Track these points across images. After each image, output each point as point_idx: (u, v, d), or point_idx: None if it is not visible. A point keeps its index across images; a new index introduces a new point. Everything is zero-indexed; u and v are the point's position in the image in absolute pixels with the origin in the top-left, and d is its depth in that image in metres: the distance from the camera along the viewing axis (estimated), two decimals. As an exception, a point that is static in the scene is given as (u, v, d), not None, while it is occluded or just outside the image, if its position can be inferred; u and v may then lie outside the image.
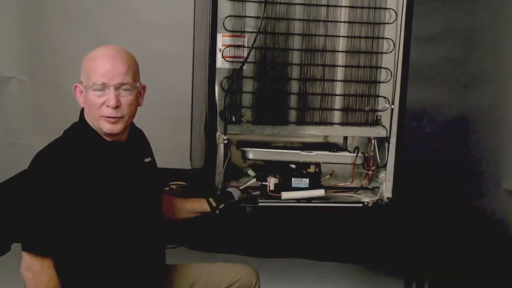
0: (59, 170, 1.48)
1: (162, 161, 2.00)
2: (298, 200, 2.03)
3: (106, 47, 1.58)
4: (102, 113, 1.54)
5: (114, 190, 1.55)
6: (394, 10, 2.01)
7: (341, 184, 2.18)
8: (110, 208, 1.53)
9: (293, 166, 2.06)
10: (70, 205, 1.48)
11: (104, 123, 1.55)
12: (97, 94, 1.52)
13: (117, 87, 1.53)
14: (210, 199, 1.89)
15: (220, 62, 1.94)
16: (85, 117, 1.59)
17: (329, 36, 1.99)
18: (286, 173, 2.05)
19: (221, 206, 1.89)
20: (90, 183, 1.50)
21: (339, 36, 1.99)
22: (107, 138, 1.58)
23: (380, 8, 2.00)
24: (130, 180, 1.60)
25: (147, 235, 1.64)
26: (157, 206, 1.73)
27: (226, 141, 1.97)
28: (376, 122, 2.07)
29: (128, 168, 1.62)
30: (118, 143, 1.60)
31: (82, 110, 1.62)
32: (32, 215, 1.49)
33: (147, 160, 1.72)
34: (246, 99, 1.98)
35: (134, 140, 1.68)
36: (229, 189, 1.98)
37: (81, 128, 1.59)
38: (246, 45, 1.94)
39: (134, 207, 1.59)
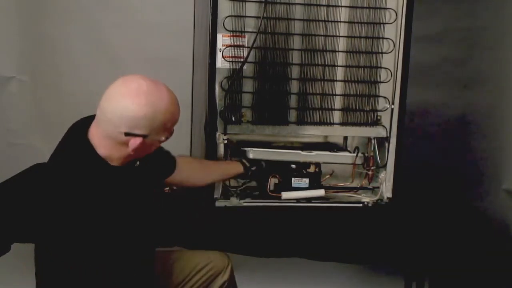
0: (65, 198, 1.44)
1: (162, 161, 1.99)
2: (298, 200, 2.04)
3: (167, 94, 1.45)
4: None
5: (117, 209, 1.51)
6: (394, 10, 2.01)
7: (341, 184, 2.18)
8: (115, 228, 1.50)
9: (293, 166, 2.06)
10: (78, 233, 1.45)
11: None
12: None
13: None
14: (244, 160, 2.00)
15: (220, 62, 1.94)
16: (98, 144, 1.47)
17: (329, 36, 1.99)
18: (286, 173, 2.05)
19: (254, 168, 2.00)
20: (96, 204, 1.46)
21: (339, 36, 2.00)
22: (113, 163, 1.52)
23: (380, 8, 2.00)
24: (131, 197, 1.57)
25: (145, 243, 1.63)
26: (154, 209, 1.72)
27: (226, 141, 1.97)
28: (376, 122, 2.07)
29: (133, 191, 1.59)
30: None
31: (79, 125, 1.52)
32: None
33: (136, 165, 1.68)
34: (246, 99, 1.98)
35: None
36: None
37: (88, 153, 1.48)
38: (246, 45, 1.94)
39: (136, 219, 1.57)
